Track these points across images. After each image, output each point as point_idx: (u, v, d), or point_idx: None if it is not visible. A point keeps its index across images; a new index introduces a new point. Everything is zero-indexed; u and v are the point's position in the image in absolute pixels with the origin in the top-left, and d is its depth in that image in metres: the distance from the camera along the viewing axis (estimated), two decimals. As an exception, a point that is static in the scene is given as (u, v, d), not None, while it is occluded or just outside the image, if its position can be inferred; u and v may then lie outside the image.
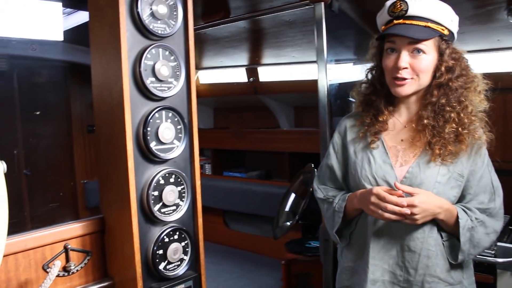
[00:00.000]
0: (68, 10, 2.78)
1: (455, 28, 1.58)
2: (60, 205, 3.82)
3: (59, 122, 3.94)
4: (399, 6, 1.52)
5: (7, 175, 0.98)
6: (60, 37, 2.93)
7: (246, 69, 4.48)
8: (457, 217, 1.51)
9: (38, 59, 3.41)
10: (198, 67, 4.75)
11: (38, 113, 3.60)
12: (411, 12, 1.51)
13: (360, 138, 1.68)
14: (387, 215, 1.46)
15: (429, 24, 1.50)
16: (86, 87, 3.69)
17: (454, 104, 1.53)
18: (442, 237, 1.57)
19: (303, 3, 2.51)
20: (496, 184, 1.60)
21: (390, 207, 1.44)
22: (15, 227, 1.11)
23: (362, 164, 1.64)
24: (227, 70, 4.70)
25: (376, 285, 1.59)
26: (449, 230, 1.55)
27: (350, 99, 3.00)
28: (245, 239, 4.45)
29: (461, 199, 1.59)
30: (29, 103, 3.60)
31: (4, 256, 1.03)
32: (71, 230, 1.34)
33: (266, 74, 4.45)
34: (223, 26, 3.11)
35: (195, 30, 3.25)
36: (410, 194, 1.46)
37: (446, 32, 1.54)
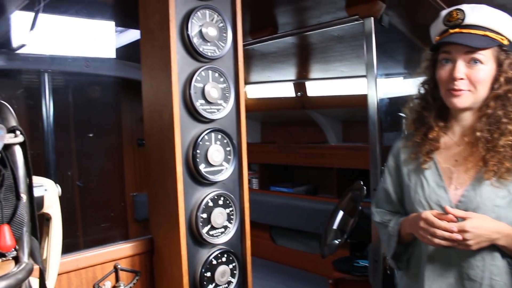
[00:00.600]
0: (120, 28, 2.86)
1: None
2: (111, 217, 3.91)
3: (111, 136, 4.05)
4: (455, 15, 1.45)
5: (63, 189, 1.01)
6: (113, 55, 3.03)
7: (293, 83, 4.47)
8: None
9: (92, 75, 3.52)
10: (246, 82, 4.78)
11: (91, 135, 3.72)
12: (468, 21, 1.43)
13: (413, 159, 1.61)
14: (437, 241, 1.37)
15: (488, 33, 1.42)
16: (136, 101, 3.81)
17: (511, 115, 1.44)
18: (509, 264, 1.46)
19: (353, 19, 2.48)
20: None
21: (439, 232, 1.36)
22: (68, 237, 1.12)
23: (415, 188, 1.56)
24: (274, 85, 4.70)
25: None
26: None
27: (401, 114, 2.94)
28: (291, 255, 4.40)
29: None
30: (82, 118, 3.73)
31: (58, 274, 1.05)
32: (121, 250, 1.35)
33: (313, 88, 4.42)
34: (271, 41, 3.11)
35: (243, 46, 3.28)
36: (463, 219, 1.38)
37: (505, 42, 1.45)
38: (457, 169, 1.51)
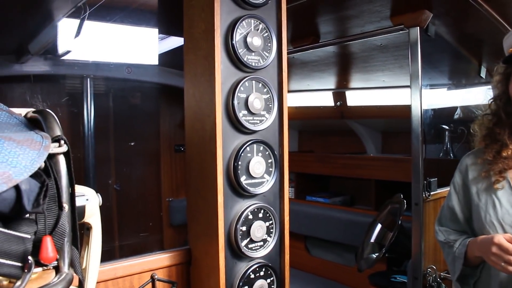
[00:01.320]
0: (161, 35, 2.90)
1: None
2: (147, 222, 3.95)
3: (149, 141, 4.09)
4: None
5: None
6: (155, 61, 3.06)
7: (332, 93, 4.42)
8: None
9: (133, 81, 3.57)
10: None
11: (131, 141, 3.77)
12: None
13: (483, 178, 1.52)
14: (511, 268, 1.29)
15: None
16: (174, 107, 3.85)
17: None
18: None
19: (397, 28, 2.43)
20: None
21: None
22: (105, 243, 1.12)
23: (486, 208, 1.47)
24: (313, 94, 4.67)
25: None
26: None
27: (444, 126, 2.85)
28: (326, 266, 4.33)
29: None
30: (122, 123, 3.78)
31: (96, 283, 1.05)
32: (158, 261, 1.35)
33: (353, 98, 4.36)
34: (312, 50, 3.09)
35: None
36: None
37: None
38: None
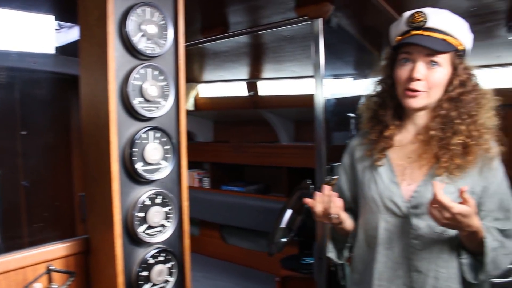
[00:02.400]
0: (69, 24, 2.79)
1: (469, 45, 1.55)
2: (58, 218, 3.80)
3: (59, 134, 3.93)
4: (418, 17, 1.49)
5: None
6: (52, 50, 2.94)
7: (246, 83, 4.49)
8: (482, 236, 1.45)
9: (40, 71, 3.41)
10: (198, 81, 4.76)
11: (41, 137, 3.60)
12: (429, 24, 1.48)
13: (367, 157, 1.65)
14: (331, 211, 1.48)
15: (447, 38, 1.47)
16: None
17: (464, 117, 1.49)
18: (459, 255, 1.51)
19: (302, 19, 2.51)
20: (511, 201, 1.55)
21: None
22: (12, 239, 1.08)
23: (369, 184, 1.61)
24: (227, 84, 4.71)
25: None
26: (469, 247, 1.49)
27: (349, 114, 3.00)
28: (242, 253, 4.42)
29: None
30: (30, 117, 3.61)
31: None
32: (55, 251, 1.32)
33: (266, 88, 4.45)
34: (222, 40, 3.11)
35: (194, 44, 3.26)
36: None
37: (461, 47, 1.51)
38: (410, 166, 1.57)
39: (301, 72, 3.99)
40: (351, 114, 3.22)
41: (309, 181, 3.00)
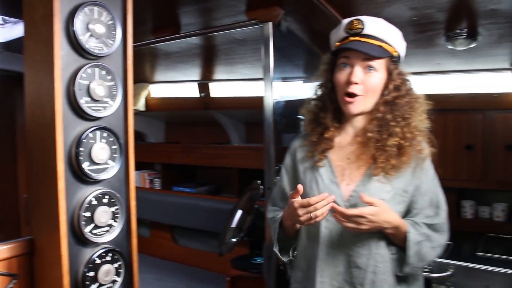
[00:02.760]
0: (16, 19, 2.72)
1: (403, 52, 1.66)
2: (0, 219, 3.68)
3: (4, 135, 3.81)
4: (356, 24, 1.59)
5: None
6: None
7: (198, 84, 4.49)
8: (406, 231, 1.55)
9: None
10: (150, 81, 4.72)
11: None
12: (366, 31, 1.57)
13: (309, 158, 1.73)
14: (318, 213, 1.47)
15: (382, 44, 1.57)
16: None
17: (399, 120, 1.58)
18: (390, 252, 1.61)
19: (252, 23, 2.55)
20: (441, 198, 1.65)
21: (319, 206, 1.46)
22: None
23: (310, 185, 1.67)
24: (179, 85, 4.69)
25: None
26: (397, 242, 1.59)
27: (299, 116, 3.06)
28: (193, 255, 4.41)
29: (407, 213, 1.64)
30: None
31: None
32: (-4, 252, 1.30)
33: (217, 89, 4.47)
34: (174, 41, 3.11)
35: (145, 44, 3.24)
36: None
37: (396, 54, 1.61)
38: (349, 166, 1.65)
39: (252, 75, 4.03)
40: (300, 117, 3.29)
41: (258, 182, 3.05)
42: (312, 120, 1.75)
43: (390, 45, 1.60)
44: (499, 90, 3.44)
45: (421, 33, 2.71)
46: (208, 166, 4.57)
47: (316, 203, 1.45)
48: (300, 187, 1.50)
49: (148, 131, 5.02)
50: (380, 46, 1.57)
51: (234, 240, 3.01)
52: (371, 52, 1.55)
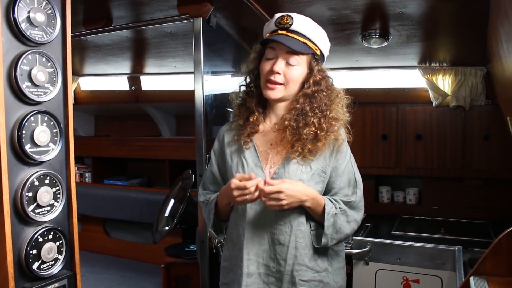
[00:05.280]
0: None
1: (326, 51, 1.83)
2: None
3: None
4: (285, 19, 1.74)
5: None
6: None
7: (127, 77, 4.49)
8: (324, 205, 1.73)
9: None
10: (79, 74, 4.66)
11: None
12: (294, 27, 1.73)
13: (235, 141, 1.86)
14: (253, 197, 1.64)
15: (307, 41, 1.73)
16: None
17: (316, 111, 1.75)
18: (310, 227, 1.78)
19: (183, 17, 2.63)
20: (358, 178, 1.84)
21: (253, 190, 1.62)
22: None
23: (236, 168, 1.81)
24: (109, 78, 4.67)
25: (252, 278, 1.75)
26: (316, 217, 1.76)
27: (228, 109, 3.20)
28: (126, 247, 4.42)
29: (327, 192, 1.82)
30: None
31: None
32: None
33: (148, 83, 4.49)
34: (105, 34, 3.13)
35: (76, 36, 3.23)
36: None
37: (318, 52, 1.78)
38: (272, 151, 1.80)
39: (183, 68, 4.11)
40: (229, 109, 3.43)
41: (190, 171, 3.15)
42: (240, 105, 1.90)
43: (314, 43, 1.76)
44: (409, 86, 3.78)
45: (340, 32, 2.93)
46: (139, 158, 4.59)
47: (251, 187, 1.61)
48: (253, 175, 1.65)
49: (78, 125, 4.95)
50: (304, 43, 1.74)
51: (167, 228, 3.10)
52: (294, 47, 1.71)
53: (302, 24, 1.75)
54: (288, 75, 1.74)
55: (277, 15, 1.80)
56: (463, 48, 3.31)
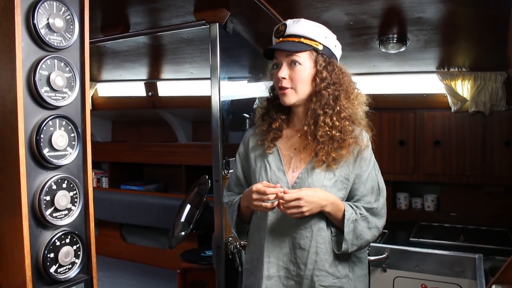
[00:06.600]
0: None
1: (331, 44, 1.82)
2: None
3: None
4: (280, 28, 1.79)
5: None
6: None
7: (144, 83, 4.52)
8: (344, 211, 1.72)
9: None
10: (97, 80, 4.71)
11: None
12: (288, 32, 1.76)
13: (259, 146, 1.88)
14: (269, 205, 1.65)
15: (302, 40, 1.75)
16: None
17: (326, 109, 1.75)
18: (332, 233, 1.77)
19: (200, 23, 2.64)
20: (381, 185, 1.84)
21: (271, 197, 1.63)
22: None
23: (260, 171, 1.83)
24: (126, 84, 4.71)
25: (271, 281, 1.76)
26: (336, 223, 1.75)
27: (245, 114, 3.20)
28: (142, 252, 4.43)
29: (349, 199, 1.81)
30: None
31: None
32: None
33: (165, 88, 4.52)
34: (122, 40, 3.16)
35: (93, 43, 3.27)
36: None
37: (320, 46, 1.77)
38: (295, 156, 1.82)
39: (199, 74, 4.12)
40: (246, 115, 3.43)
41: (206, 177, 3.16)
42: (263, 114, 1.93)
43: (311, 39, 1.77)
44: (427, 91, 3.74)
45: (357, 37, 2.92)
46: (155, 164, 4.62)
47: (271, 194, 1.62)
48: (278, 185, 1.68)
49: (95, 131, 5.00)
50: (300, 42, 1.76)
51: (183, 233, 3.10)
52: (288, 48, 1.75)
53: (295, 26, 1.79)
54: (293, 77, 1.76)
55: (276, 26, 1.85)
56: (482, 52, 3.27)
